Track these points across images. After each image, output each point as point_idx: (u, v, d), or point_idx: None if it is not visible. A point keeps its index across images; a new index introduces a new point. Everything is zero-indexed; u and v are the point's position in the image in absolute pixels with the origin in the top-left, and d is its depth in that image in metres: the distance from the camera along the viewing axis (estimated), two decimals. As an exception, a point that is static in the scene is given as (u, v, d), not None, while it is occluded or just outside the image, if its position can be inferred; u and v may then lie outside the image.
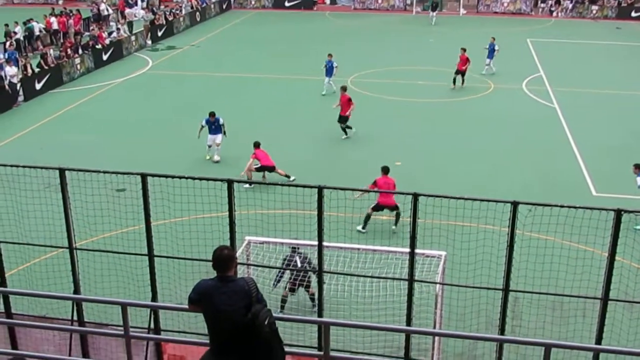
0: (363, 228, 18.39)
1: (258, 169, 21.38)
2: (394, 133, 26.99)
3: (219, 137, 23.53)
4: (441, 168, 23.37)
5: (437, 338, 12.48)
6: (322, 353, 7.26)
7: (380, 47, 42.89)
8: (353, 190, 11.45)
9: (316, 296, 12.04)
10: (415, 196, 10.51)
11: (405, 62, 38.45)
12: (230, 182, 10.84)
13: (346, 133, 26.23)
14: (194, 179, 11.12)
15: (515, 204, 10.19)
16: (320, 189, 10.95)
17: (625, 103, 31.70)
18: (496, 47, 36.04)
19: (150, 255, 11.32)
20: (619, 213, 10.03)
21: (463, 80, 33.69)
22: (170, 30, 46.99)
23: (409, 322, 11.14)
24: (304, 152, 24.61)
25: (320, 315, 11.36)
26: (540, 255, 12.75)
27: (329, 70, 31.64)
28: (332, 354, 7.40)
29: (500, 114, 29.83)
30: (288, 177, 21.17)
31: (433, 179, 22.00)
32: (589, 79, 35.70)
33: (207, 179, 11.33)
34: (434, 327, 11.99)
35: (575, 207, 10.35)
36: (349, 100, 25.97)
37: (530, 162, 24.06)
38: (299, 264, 14.76)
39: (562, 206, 10.28)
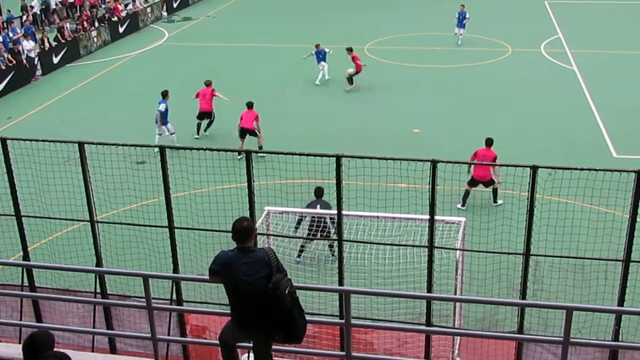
0: (462, 205, 17.40)
1: (240, 133, 21.38)
2: (412, 100, 26.82)
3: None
4: (461, 134, 23.19)
5: (458, 304, 12.48)
6: (343, 321, 7.27)
7: (396, 13, 42.44)
8: (371, 158, 11.36)
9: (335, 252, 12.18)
10: (434, 162, 10.44)
11: (422, 29, 38.04)
12: (248, 153, 10.82)
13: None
14: (212, 150, 11.11)
15: (534, 168, 10.10)
16: (339, 158, 10.92)
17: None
18: (467, 15, 34.35)
19: (171, 227, 11.35)
20: (639, 174, 9.92)
21: (352, 81, 28.18)
22: (185, 1, 46.79)
23: (429, 288, 11.13)
24: (322, 121, 24.50)
25: (340, 283, 11.38)
26: (560, 218, 12.68)
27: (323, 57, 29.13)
28: (354, 321, 7.42)
29: (519, 77, 29.51)
30: (260, 148, 20.56)
31: (453, 145, 21.82)
32: (609, 40, 35.16)
33: (226, 150, 11.35)
34: (455, 293, 11.97)
35: (595, 170, 10.24)
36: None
37: (549, 126, 23.83)
38: (318, 208, 14.98)
39: (582, 169, 10.18)
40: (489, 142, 18.20)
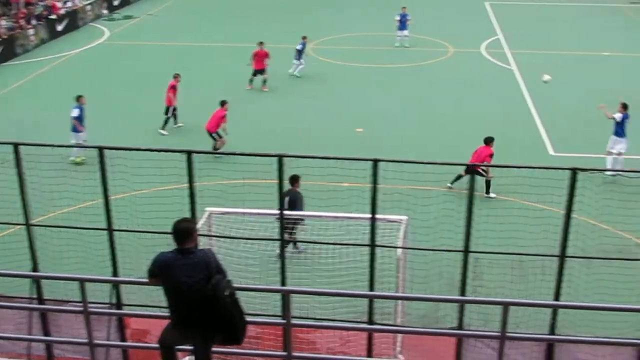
0: (451, 184, 17.62)
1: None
2: (355, 100, 26.98)
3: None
4: (403, 133, 23.46)
5: (400, 302, 12.60)
6: (284, 321, 7.29)
7: (341, 13, 42.55)
8: (313, 157, 11.39)
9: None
10: (375, 162, 10.51)
11: (365, 29, 38.25)
12: (189, 153, 10.72)
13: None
14: (152, 150, 10.99)
15: (473, 166, 10.27)
16: (281, 158, 10.91)
17: (582, 64, 32.01)
18: (409, 17, 34.56)
19: (110, 230, 11.19)
20: (574, 172, 10.17)
21: (265, 80, 28.30)
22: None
23: (371, 287, 11.21)
24: (265, 121, 24.47)
25: (283, 283, 11.38)
26: (499, 215, 12.91)
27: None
28: (295, 321, 7.44)
29: (459, 77, 29.94)
30: (216, 149, 20.69)
31: (395, 144, 22.06)
32: (547, 41, 35.93)
33: (166, 151, 11.21)
34: (397, 291, 12.09)
35: (532, 167, 10.47)
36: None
37: (489, 125, 24.17)
38: (286, 205, 15.01)
39: (519, 167, 10.40)
40: (487, 141, 18.76)
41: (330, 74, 29.91)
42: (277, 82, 28.36)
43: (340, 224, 15.46)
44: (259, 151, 11.04)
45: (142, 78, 29.69)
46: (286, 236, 14.89)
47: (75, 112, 21.02)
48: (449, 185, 18.34)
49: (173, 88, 23.90)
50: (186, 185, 10.80)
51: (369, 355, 11.62)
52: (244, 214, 13.20)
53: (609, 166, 19.38)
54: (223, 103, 22.17)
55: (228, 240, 12.82)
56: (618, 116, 20.33)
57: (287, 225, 14.41)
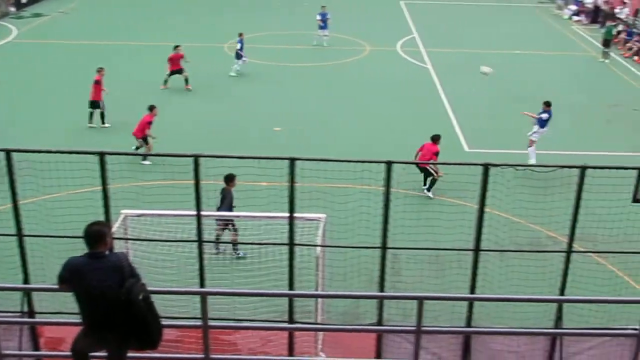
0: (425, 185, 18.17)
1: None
2: (272, 98, 26.92)
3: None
4: (321, 131, 23.54)
5: (320, 300, 12.64)
6: (201, 324, 7.20)
7: (260, 13, 42.36)
8: (230, 157, 11.31)
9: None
10: (292, 160, 10.52)
11: (283, 27, 38.25)
12: (102, 155, 10.50)
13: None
14: (62, 152, 10.70)
15: (389, 163, 10.37)
16: (197, 158, 10.80)
17: (494, 62, 32.78)
18: (328, 16, 34.70)
19: (20, 235, 10.85)
20: (486, 167, 10.42)
21: (186, 79, 27.59)
22: (35, -3, 44.75)
23: (291, 286, 11.21)
24: (182, 121, 24.14)
25: (202, 285, 11.27)
26: (416, 211, 13.11)
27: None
28: (214, 323, 7.36)
29: (377, 76, 30.26)
30: (138, 147, 19.88)
31: (313, 143, 22.12)
32: (460, 39, 36.69)
33: (78, 152, 10.94)
34: (316, 289, 12.13)
35: (447, 164, 10.69)
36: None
37: (406, 122, 24.59)
38: (219, 205, 15.09)
39: (434, 163, 10.58)
40: (434, 139, 18.58)
41: (249, 73, 29.75)
42: (196, 81, 28.03)
43: (259, 223, 15.40)
44: (178, 152, 10.88)
45: (53, 77, 28.87)
46: (221, 236, 14.94)
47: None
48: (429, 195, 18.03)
49: (97, 82, 23.47)
50: (100, 187, 10.58)
51: (290, 354, 11.63)
52: (160, 215, 12.99)
53: (532, 155, 20.55)
54: (152, 108, 21.26)
55: (145, 242, 12.60)
56: (545, 116, 20.97)
57: (221, 226, 14.46)
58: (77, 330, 6.97)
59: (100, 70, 23.90)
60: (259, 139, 22.62)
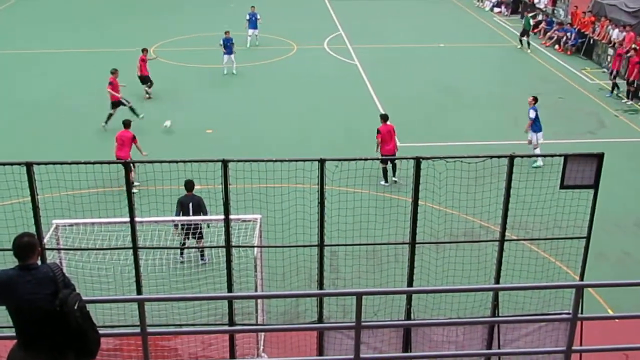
0: (386, 182, 18.44)
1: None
2: (201, 100, 26.67)
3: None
4: (252, 132, 23.44)
5: (259, 300, 12.60)
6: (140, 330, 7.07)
7: (182, 15, 41.88)
8: (161, 162, 11.16)
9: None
10: (225, 162, 10.45)
11: (207, 29, 37.83)
12: (29, 165, 10.23)
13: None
14: (-14, 164, 10.37)
15: (322, 161, 10.40)
16: (127, 164, 10.64)
17: (420, 55, 33.27)
18: (258, 16, 34.82)
19: (-55, 251, 10.46)
20: (418, 160, 10.55)
21: (149, 87, 27.11)
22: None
23: (230, 288, 11.14)
24: (109, 126, 23.70)
25: (139, 292, 11.09)
26: (351, 208, 13.16)
27: (229, 47, 29.66)
28: (153, 329, 7.25)
29: (305, 74, 30.32)
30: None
31: (245, 144, 22.01)
32: (386, 35, 37.05)
33: (3, 164, 10.64)
34: (256, 290, 12.09)
35: (378, 159, 10.75)
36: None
37: (336, 119, 24.69)
38: (191, 210, 15.10)
39: (366, 159, 10.65)
40: (385, 118, 19.60)
41: (175, 77, 29.41)
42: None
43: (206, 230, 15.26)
44: (105, 159, 10.70)
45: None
46: (188, 242, 14.73)
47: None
48: (383, 183, 18.48)
49: (111, 84, 23.75)
50: (28, 198, 10.30)
51: (232, 356, 11.55)
52: (93, 223, 12.74)
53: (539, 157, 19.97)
54: (127, 124, 19.58)
55: (78, 252, 12.33)
56: (532, 113, 20.87)
57: (190, 232, 14.26)
58: (10, 344, 6.77)
59: (114, 72, 23.85)
60: (191, 141, 22.39)
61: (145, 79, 26.72)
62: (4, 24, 39.71)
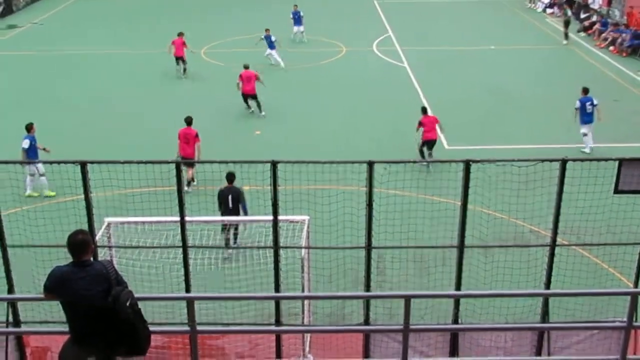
0: (422, 159, 20.03)
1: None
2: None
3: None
4: (301, 134, 23.54)
5: (306, 301, 12.64)
6: (189, 329, 7.17)
7: (229, 15, 42.30)
8: (212, 162, 11.32)
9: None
10: (274, 163, 10.52)
11: (256, 30, 38.05)
12: (83, 164, 10.45)
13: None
14: (35, 162, 10.63)
15: (371, 163, 10.40)
16: (178, 165, 10.80)
17: (470, 58, 33.00)
18: (302, 14, 35.88)
19: (3, 246, 10.76)
20: (467, 164, 10.47)
21: (185, 69, 30.15)
22: (9, 8, 44.35)
23: (277, 288, 11.21)
24: (162, 126, 24.01)
25: (187, 290, 11.24)
26: (398, 211, 13.14)
27: (271, 44, 31.44)
28: (201, 328, 7.34)
29: (354, 76, 30.29)
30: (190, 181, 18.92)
31: (294, 146, 22.09)
32: (436, 37, 36.82)
33: (59, 162, 10.89)
34: (302, 291, 12.13)
35: (427, 162, 10.71)
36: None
37: (384, 122, 24.64)
38: (230, 203, 15.55)
39: (414, 162, 10.62)
40: (425, 110, 21.62)
41: (225, 78, 29.65)
42: (174, 83, 27.97)
43: (243, 227, 15.41)
44: (155, 158, 10.86)
45: (31, 89, 28.66)
46: (229, 237, 15.12)
47: (25, 143, 18.41)
48: (423, 164, 19.67)
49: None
50: (82, 196, 10.52)
51: (278, 356, 11.63)
52: (144, 222, 12.93)
53: (588, 144, 21.49)
54: (189, 121, 19.87)
55: (129, 250, 12.54)
56: (577, 103, 21.69)
57: (229, 227, 14.74)
58: (63, 339, 6.93)
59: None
60: (242, 142, 22.57)
61: (181, 60, 29.83)
62: (67, 22, 40.61)
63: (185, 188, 18.81)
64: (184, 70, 30.12)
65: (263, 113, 25.32)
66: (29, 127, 18.89)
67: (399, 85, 28.91)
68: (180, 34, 30.11)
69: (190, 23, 38.32)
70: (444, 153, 21.30)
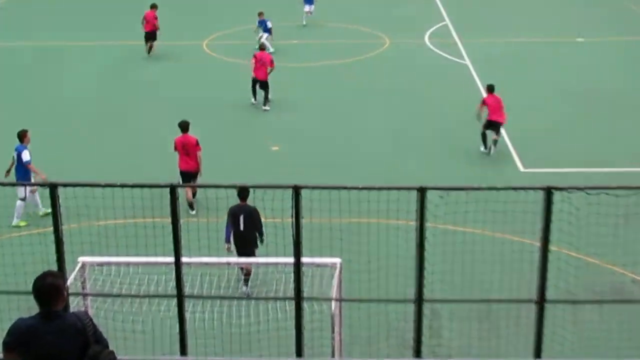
0: (485, 148, 23.15)
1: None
2: (270, 109, 26.96)
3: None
4: (331, 150, 23.52)
5: (336, 370, 12.64)
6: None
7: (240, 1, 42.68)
8: (216, 187, 11.38)
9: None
10: (297, 189, 10.54)
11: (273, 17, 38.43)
12: (53, 187, 10.56)
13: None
14: (3, 184, 10.80)
15: (422, 190, 10.39)
16: (173, 188, 10.83)
17: (549, 54, 32.96)
18: None
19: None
20: (548, 191, 10.42)
21: (151, 47, 33.11)
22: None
23: (299, 351, 11.21)
24: (158, 137, 24.23)
25: (183, 352, 11.27)
26: (459, 252, 13.11)
27: (267, 30, 33.31)
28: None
29: (400, 75, 30.37)
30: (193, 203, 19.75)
31: (321, 165, 22.10)
32: (506, 26, 36.91)
33: (23, 184, 11.06)
34: (332, 356, 12.12)
35: (496, 189, 10.68)
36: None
37: (439, 134, 24.59)
38: (242, 224, 15.90)
39: (479, 188, 10.59)
40: (491, 88, 23.53)
41: (231, 78, 29.87)
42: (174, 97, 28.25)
43: (256, 270, 15.46)
44: (148, 181, 10.96)
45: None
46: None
47: (26, 154, 18.02)
48: (482, 150, 23.03)
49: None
50: (50, 228, 10.62)
51: None
52: (128, 263, 13.04)
53: None
54: (185, 127, 20.05)
55: (110, 298, 12.63)
56: None
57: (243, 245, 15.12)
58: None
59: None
60: (253, 159, 22.63)
61: (152, 35, 32.56)
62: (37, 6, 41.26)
63: (192, 212, 19.27)
64: (150, 48, 32.85)
65: (267, 107, 26.95)
66: (22, 135, 18.74)
67: (458, 87, 28.91)
68: (153, 6, 32.53)
69: (190, 9, 38.81)
70: (518, 177, 21.24)
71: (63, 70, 31.46)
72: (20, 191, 17.64)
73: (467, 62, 32.02)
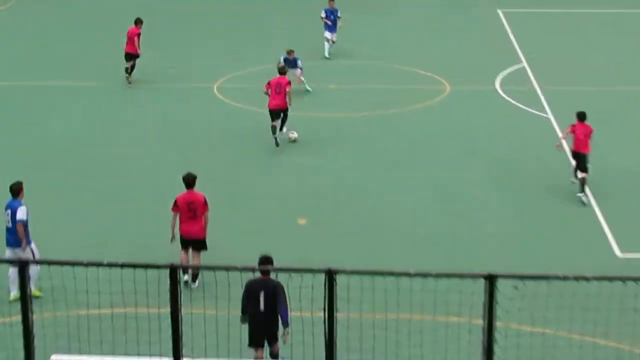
0: (575, 178, 24.85)
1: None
2: (288, 168, 27.01)
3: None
4: (371, 222, 23.48)
5: None
6: None
7: (259, 33, 42.86)
8: (227, 269, 11.37)
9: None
10: (330, 274, 10.50)
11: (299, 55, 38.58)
12: (23, 265, 10.61)
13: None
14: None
15: (490, 278, 10.33)
16: (173, 269, 10.81)
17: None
18: (339, 14, 37.77)
19: None
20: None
21: (132, 69, 34.82)
22: None
23: None
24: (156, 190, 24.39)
25: None
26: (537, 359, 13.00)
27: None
28: None
29: (463, 130, 30.27)
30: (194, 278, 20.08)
31: (358, 246, 21.98)
32: (600, 70, 36.82)
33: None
34: None
35: (586, 279, 10.59)
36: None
37: (512, 204, 24.48)
38: (262, 303, 15.76)
39: (565, 277, 10.51)
40: (584, 116, 24.87)
41: (245, 129, 29.94)
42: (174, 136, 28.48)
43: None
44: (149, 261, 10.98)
45: None
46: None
47: (22, 212, 18.38)
48: (579, 196, 24.46)
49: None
50: (19, 317, 10.64)
51: None
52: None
53: None
54: (191, 182, 20.34)
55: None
56: None
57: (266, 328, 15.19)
58: None
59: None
60: (274, 235, 22.58)
61: (132, 57, 34.24)
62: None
63: (193, 285, 19.39)
64: (129, 71, 34.62)
65: (294, 134, 28.88)
66: (17, 189, 19.04)
67: (537, 146, 28.75)
68: (138, 22, 33.99)
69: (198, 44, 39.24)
70: (615, 264, 20.98)
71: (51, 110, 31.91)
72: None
73: (549, 114, 31.95)
